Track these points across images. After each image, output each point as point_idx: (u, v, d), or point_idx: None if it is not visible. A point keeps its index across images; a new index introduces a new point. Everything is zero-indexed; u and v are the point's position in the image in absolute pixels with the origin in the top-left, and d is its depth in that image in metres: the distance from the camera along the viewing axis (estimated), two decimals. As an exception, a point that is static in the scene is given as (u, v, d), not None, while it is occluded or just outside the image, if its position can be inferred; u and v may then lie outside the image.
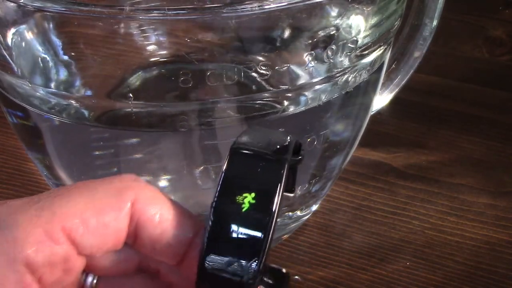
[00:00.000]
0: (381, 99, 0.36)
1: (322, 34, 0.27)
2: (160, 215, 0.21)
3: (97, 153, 0.29)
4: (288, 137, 0.22)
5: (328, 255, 0.35)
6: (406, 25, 0.35)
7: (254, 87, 0.27)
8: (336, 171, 0.33)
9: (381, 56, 0.30)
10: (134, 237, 0.21)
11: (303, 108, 0.28)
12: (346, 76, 0.28)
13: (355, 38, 0.28)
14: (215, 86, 0.26)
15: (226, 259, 0.20)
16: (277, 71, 0.26)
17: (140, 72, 0.30)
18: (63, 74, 0.28)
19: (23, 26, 0.27)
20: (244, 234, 0.20)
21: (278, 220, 0.20)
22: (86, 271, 0.22)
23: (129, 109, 0.26)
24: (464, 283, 0.33)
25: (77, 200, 0.20)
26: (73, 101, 0.27)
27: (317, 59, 0.27)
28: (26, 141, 0.32)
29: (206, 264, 0.20)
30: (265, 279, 0.21)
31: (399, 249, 0.35)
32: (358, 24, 0.28)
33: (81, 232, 0.20)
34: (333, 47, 0.27)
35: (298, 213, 0.33)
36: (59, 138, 0.30)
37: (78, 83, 0.28)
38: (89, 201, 0.20)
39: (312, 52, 0.27)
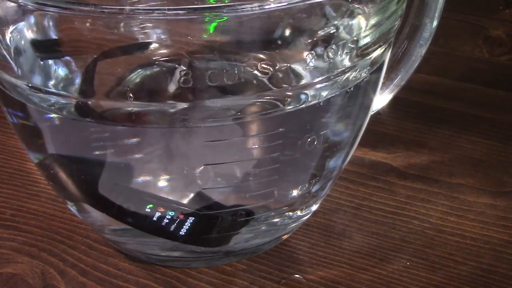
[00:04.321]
0: (381, 99, 0.36)
1: (322, 33, 0.27)
2: None
3: (97, 153, 0.29)
4: None
5: (328, 255, 0.35)
6: (406, 25, 0.35)
7: (254, 86, 0.27)
8: (336, 171, 0.33)
9: (381, 56, 0.30)
10: None
11: (303, 106, 0.28)
12: (346, 75, 0.28)
13: (355, 38, 0.28)
14: (215, 85, 0.26)
15: None
16: (277, 70, 0.26)
17: (140, 71, 0.30)
18: (62, 73, 0.28)
19: (22, 25, 0.27)
20: None
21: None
22: None
23: (129, 108, 0.26)
24: (464, 283, 0.33)
25: None
26: (73, 100, 0.27)
27: (318, 58, 0.27)
28: (26, 141, 0.32)
29: None
30: None
31: (399, 249, 0.35)
32: (359, 24, 0.28)
33: None
34: (334, 46, 0.27)
35: (298, 213, 0.33)
36: (60, 139, 0.30)
37: (77, 82, 0.28)
38: None
39: (313, 51, 0.27)
